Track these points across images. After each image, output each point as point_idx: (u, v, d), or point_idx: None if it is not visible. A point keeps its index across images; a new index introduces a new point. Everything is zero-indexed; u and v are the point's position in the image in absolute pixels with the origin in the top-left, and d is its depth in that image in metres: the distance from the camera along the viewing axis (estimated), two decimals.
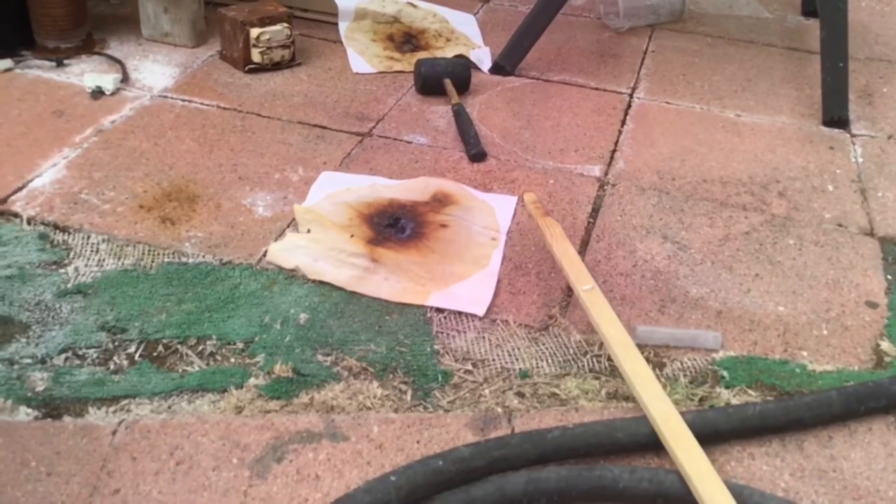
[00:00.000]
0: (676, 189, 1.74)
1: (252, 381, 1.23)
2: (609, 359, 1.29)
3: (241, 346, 1.29)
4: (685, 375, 1.28)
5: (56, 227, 1.52)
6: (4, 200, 1.57)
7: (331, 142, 1.83)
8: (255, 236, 1.52)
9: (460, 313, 1.37)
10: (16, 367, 1.23)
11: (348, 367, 1.26)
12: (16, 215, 1.54)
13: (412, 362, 1.28)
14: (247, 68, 2.09)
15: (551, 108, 2.04)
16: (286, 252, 1.46)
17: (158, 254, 1.47)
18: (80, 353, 1.26)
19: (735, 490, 1.03)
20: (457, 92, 2.01)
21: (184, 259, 1.46)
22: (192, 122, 1.87)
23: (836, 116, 2.01)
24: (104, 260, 1.45)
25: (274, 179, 1.69)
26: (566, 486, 1.04)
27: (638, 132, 1.95)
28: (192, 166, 1.71)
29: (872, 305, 1.44)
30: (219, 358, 1.27)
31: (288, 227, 1.56)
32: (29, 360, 1.24)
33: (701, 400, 1.23)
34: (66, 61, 2.08)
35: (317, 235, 1.51)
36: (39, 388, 1.19)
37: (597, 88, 2.14)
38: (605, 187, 1.74)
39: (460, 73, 2.06)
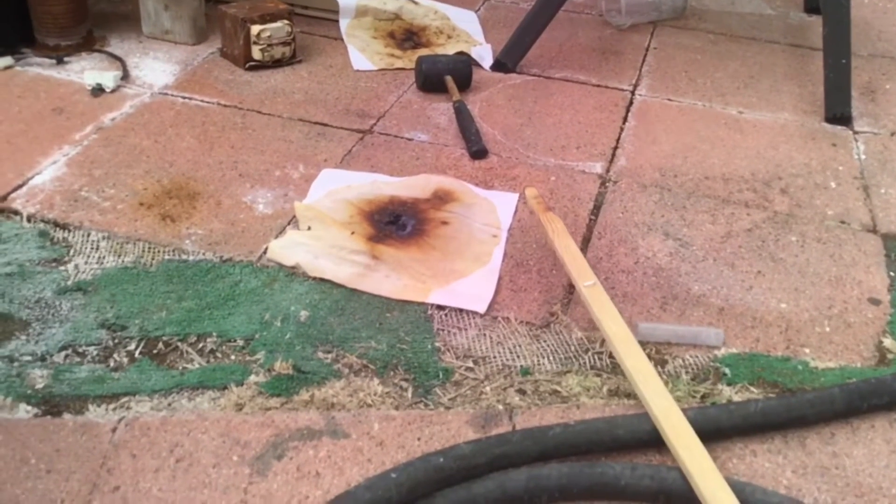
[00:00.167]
0: (678, 186, 1.74)
1: (252, 378, 1.22)
2: (611, 356, 1.29)
3: (241, 343, 1.29)
4: (687, 372, 1.27)
5: (56, 224, 1.51)
6: (4, 198, 1.57)
7: (332, 139, 1.83)
8: (256, 233, 1.52)
9: (461, 310, 1.37)
10: (16, 364, 1.22)
11: (349, 365, 1.26)
12: (16, 213, 1.53)
13: (413, 359, 1.27)
14: (247, 65, 2.09)
15: (553, 105, 2.03)
16: (287, 249, 1.46)
17: (159, 251, 1.46)
18: (80, 350, 1.26)
19: (737, 487, 1.03)
20: (458, 89, 2.00)
21: (184, 256, 1.46)
22: (192, 120, 1.87)
23: (838, 113, 2.01)
24: (104, 257, 1.44)
25: (274, 177, 1.69)
26: (567, 483, 1.04)
27: (640, 129, 1.95)
28: (192, 163, 1.71)
29: (875, 302, 1.44)
30: (219, 355, 1.27)
31: (288, 224, 1.55)
32: (29, 358, 1.24)
33: (703, 397, 1.23)
34: (66, 59, 2.08)
35: (317, 233, 1.50)
36: (39, 386, 1.19)
37: (598, 85, 2.14)
38: (607, 184, 1.73)
39: (461, 70, 2.05)
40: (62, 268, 1.41)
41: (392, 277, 1.42)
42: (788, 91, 2.16)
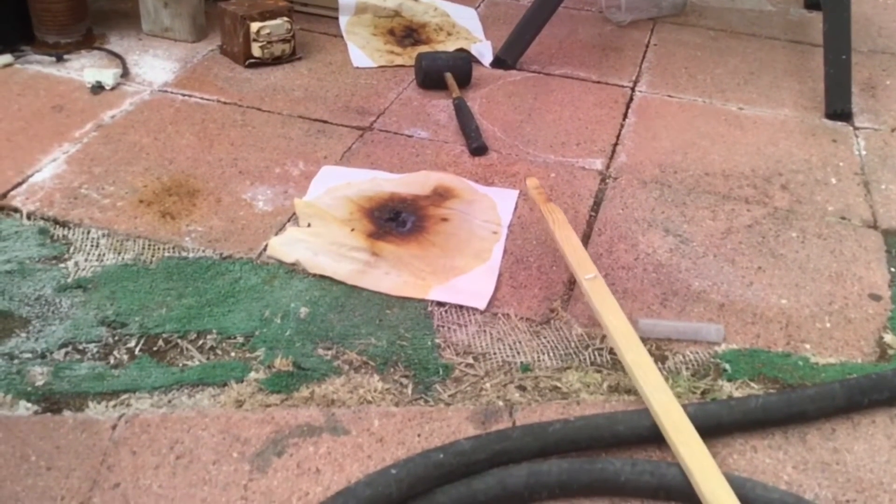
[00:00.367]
0: (678, 182, 1.73)
1: (252, 375, 1.22)
2: (611, 352, 1.29)
3: (241, 340, 1.29)
4: (687, 368, 1.27)
5: (56, 221, 1.51)
6: (4, 195, 1.57)
7: (331, 136, 1.83)
8: (256, 230, 1.52)
9: (461, 307, 1.37)
10: (16, 361, 1.22)
11: (349, 361, 1.26)
12: (16, 210, 1.53)
13: (413, 356, 1.27)
14: (247, 63, 2.09)
15: (553, 101, 2.03)
16: (287, 246, 1.46)
17: (158, 248, 1.46)
18: (80, 347, 1.26)
19: (738, 483, 1.03)
20: (458, 86, 2.00)
21: (184, 253, 1.46)
22: (192, 117, 1.87)
23: (839, 109, 2.00)
24: (104, 254, 1.44)
25: (274, 174, 1.69)
26: (568, 479, 1.04)
27: (640, 125, 1.94)
28: (192, 161, 1.71)
29: (876, 298, 1.43)
30: (219, 352, 1.26)
31: (288, 221, 1.55)
32: (29, 355, 1.24)
33: (703, 393, 1.23)
34: (65, 56, 2.08)
35: (317, 230, 1.50)
36: (39, 383, 1.19)
37: (598, 82, 2.14)
38: (607, 181, 1.73)
39: (461, 67, 2.05)
40: (62, 265, 1.41)
41: (392, 274, 1.42)
42: (789, 87, 2.16)
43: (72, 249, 1.45)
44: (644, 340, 1.27)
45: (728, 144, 1.88)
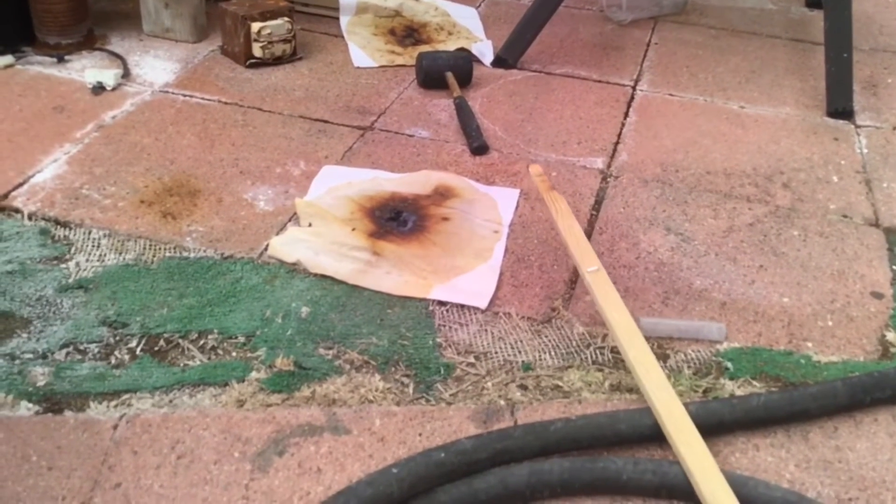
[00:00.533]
0: (680, 181, 1.73)
1: (253, 374, 1.22)
2: (612, 350, 1.28)
3: (242, 339, 1.29)
4: (689, 367, 1.27)
5: (57, 222, 1.51)
6: (5, 196, 1.57)
7: (332, 136, 1.83)
8: (257, 230, 1.52)
9: (462, 306, 1.37)
10: (17, 361, 1.22)
11: (350, 361, 1.26)
12: (17, 211, 1.53)
13: (414, 355, 1.27)
14: (248, 63, 2.09)
15: (554, 100, 2.03)
16: (288, 246, 1.46)
17: (160, 248, 1.46)
18: (82, 347, 1.26)
19: (740, 481, 1.03)
20: (459, 85, 2.00)
21: (185, 253, 1.46)
22: (193, 117, 1.87)
23: (840, 107, 2.00)
24: (105, 255, 1.44)
25: (275, 174, 1.69)
26: (569, 478, 1.03)
27: (641, 124, 1.94)
28: (193, 161, 1.71)
29: (878, 296, 1.43)
30: (220, 352, 1.26)
31: (289, 221, 1.55)
32: (30, 355, 1.24)
33: (705, 391, 1.22)
34: (66, 57, 2.08)
35: (318, 229, 1.50)
36: (41, 383, 1.19)
37: (599, 81, 2.13)
38: (608, 179, 1.73)
39: (462, 66, 2.05)
40: (63, 266, 1.41)
41: (393, 274, 1.42)
42: (790, 86, 2.15)
43: (73, 250, 1.45)
44: (646, 339, 1.27)
45: (729, 143, 1.88)
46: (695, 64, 2.25)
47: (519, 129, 1.89)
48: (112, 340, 1.27)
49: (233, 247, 1.48)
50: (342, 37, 2.29)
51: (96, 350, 1.25)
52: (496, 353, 1.28)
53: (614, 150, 1.83)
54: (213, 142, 1.78)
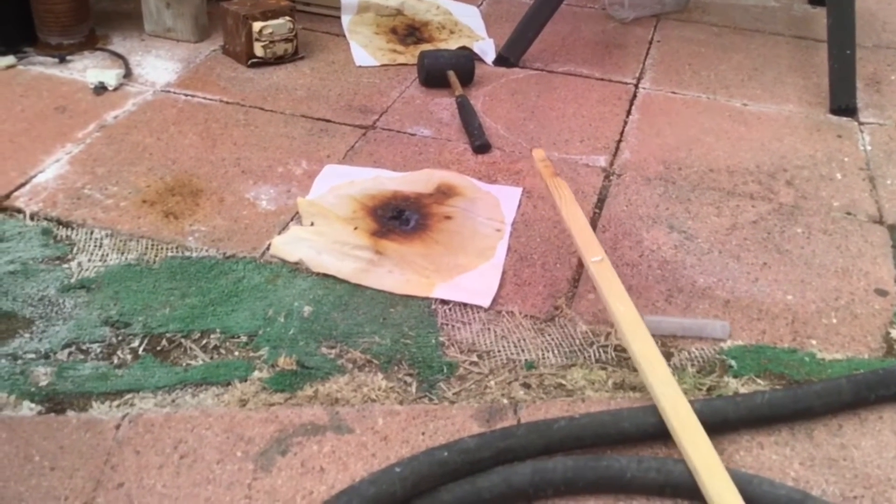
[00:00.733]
0: (683, 179, 1.73)
1: (256, 374, 1.22)
2: (616, 348, 1.28)
3: (244, 339, 1.28)
4: (693, 365, 1.27)
5: (59, 222, 1.51)
6: (8, 196, 1.57)
7: (334, 135, 1.83)
8: (259, 230, 1.52)
9: (465, 305, 1.37)
10: (19, 362, 1.22)
11: (353, 360, 1.25)
12: (19, 211, 1.53)
13: (417, 354, 1.27)
14: (249, 62, 2.08)
15: (556, 99, 2.02)
16: (290, 245, 1.46)
17: (162, 248, 1.46)
18: (84, 347, 1.26)
19: (745, 479, 1.02)
20: (460, 84, 2.00)
21: (187, 253, 1.45)
22: (194, 117, 1.87)
23: (843, 104, 1.99)
24: (107, 255, 1.44)
25: (277, 173, 1.68)
26: (573, 476, 1.03)
27: (643, 122, 1.94)
28: (195, 160, 1.71)
29: (882, 293, 1.43)
30: (223, 351, 1.26)
31: (291, 220, 1.55)
32: (32, 355, 1.24)
33: (709, 390, 1.22)
34: (68, 57, 2.08)
35: (320, 228, 1.50)
36: (43, 383, 1.19)
37: (602, 79, 2.13)
38: (611, 177, 1.72)
39: (464, 64, 2.05)
40: (65, 265, 1.41)
41: (395, 272, 1.42)
42: (793, 83, 2.15)
43: (75, 250, 1.45)
44: None
45: (732, 140, 1.88)
46: (697, 61, 2.24)
47: (521, 128, 1.89)
48: (114, 340, 1.27)
49: (235, 246, 1.47)
50: (344, 36, 2.29)
51: (99, 350, 1.25)
52: (499, 351, 1.28)
53: (617, 148, 1.83)
54: (214, 141, 1.78)
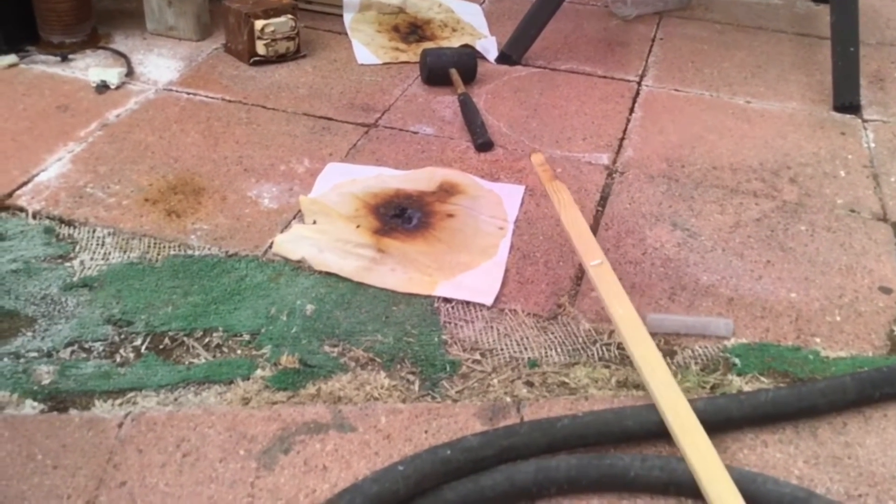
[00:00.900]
0: (686, 176, 1.72)
1: (259, 372, 1.22)
2: (619, 347, 1.28)
3: (247, 337, 1.28)
4: (696, 363, 1.26)
5: (61, 220, 1.51)
6: (10, 195, 1.57)
7: (336, 133, 1.82)
8: (261, 228, 1.52)
9: (468, 303, 1.36)
10: (22, 360, 1.22)
11: (355, 358, 1.25)
12: (21, 209, 1.53)
13: (420, 352, 1.26)
14: (252, 61, 2.08)
15: (558, 96, 2.02)
16: (292, 243, 1.45)
17: (164, 246, 1.46)
18: (86, 346, 1.26)
19: (748, 478, 1.02)
20: (463, 82, 2.00)
21: (189, 251, 1.45)
22: (197, 115, 1.86)
23: (847, 102, 1.99)
24: (110, 253, 1.44)
25: (279, 171, 1.68)
26: (576, 474, 1.03)
27: (646, 120, 1.93)
28: (197, 159, 1.71)
29: (886, 291, 1.42)
30: (225, 350, 1.26)
31: (294, 218, 1.55)
32: (35, 354, 1.23)
33: (713, 388, 1.22)
34: (70, 56, 2.08)
35: (323, 226, 1.50)
36: (45, 382, 1.19)
37: (604, 77, 2.12)
38: (614, 175, 1.72)
39: (466, 62, 2.04)
40: (68, 264, 1.41)
41: (398, 270, 1.41)
42: (796, 80, 2.14)
43: (77, 248, 1.44)
44: (653, 335, 1.26)
45: (735, 138, 1.87)
46: (700, 59, 2.24)
47: (524, 126, 1.89)
48: (117, 339, 1.27)
49: (237, 244, 1.47)
50: (346, 34, 2.29)
51: (101, 348, 1.25)
52: (502, 349, 1.28)
53: (620, 146, 1.82)
54: (216, 140, 1.77)
